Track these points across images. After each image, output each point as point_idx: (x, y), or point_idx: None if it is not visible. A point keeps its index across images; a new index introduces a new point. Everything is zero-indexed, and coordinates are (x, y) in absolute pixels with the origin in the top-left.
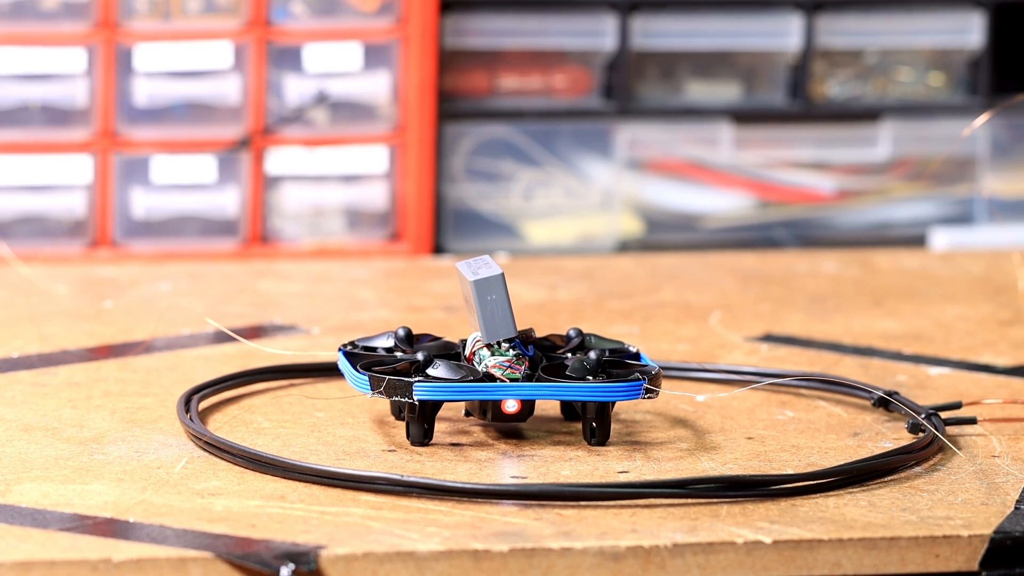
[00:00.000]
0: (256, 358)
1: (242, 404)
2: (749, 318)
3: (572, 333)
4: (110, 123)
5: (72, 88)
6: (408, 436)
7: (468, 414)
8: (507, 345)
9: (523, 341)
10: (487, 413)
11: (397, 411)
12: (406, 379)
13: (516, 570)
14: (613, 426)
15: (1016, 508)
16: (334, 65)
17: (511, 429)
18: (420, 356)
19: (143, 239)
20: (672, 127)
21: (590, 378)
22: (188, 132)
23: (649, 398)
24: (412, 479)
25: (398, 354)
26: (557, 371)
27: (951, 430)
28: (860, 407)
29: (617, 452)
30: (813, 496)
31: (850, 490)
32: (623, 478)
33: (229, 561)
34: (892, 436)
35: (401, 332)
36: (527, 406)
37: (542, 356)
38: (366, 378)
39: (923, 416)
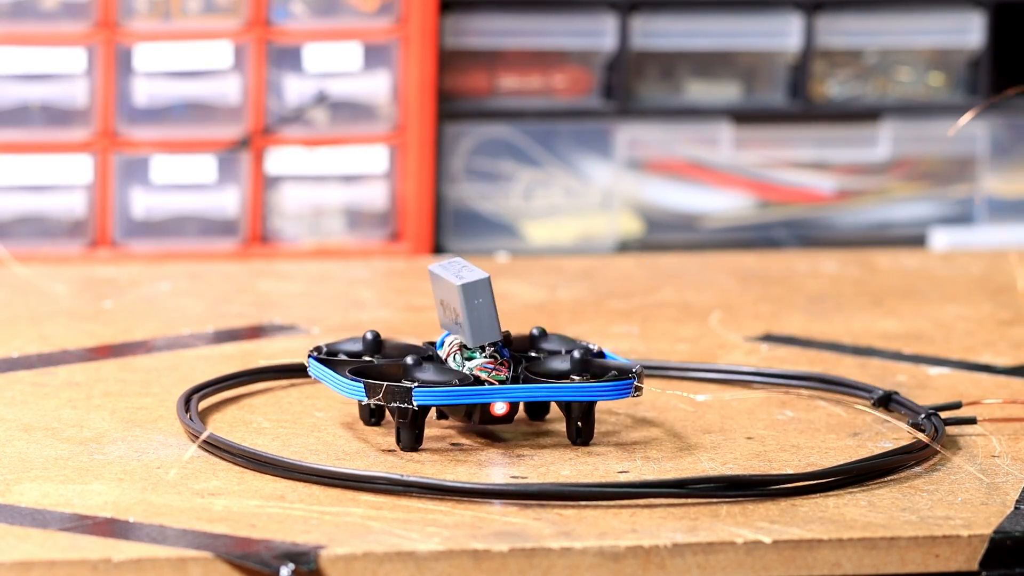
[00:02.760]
0: (256, 358)
1: (242, 404)
2: (749, 318)
3: (535, 332)
4: (110, 123)
5: (72, 88)
6: (399, 442)
7: (442, 416)
8: (491, 348)
9: (503, 343)
10: (472, 416)
11: (367, 416)
12: (405, 385)
13: (516, 570)
14: (613, 425)
15: (1016, 508)
16: (334, 65)
17: (484, 430)
18: (410, 360)
19: (143, 239)
20: (672, 127)
21: (575, 378)
22: (188, 132)
23: (636, 396)
24: (412, 479)
25: (373, 359)
26: (539, 371)
27: (951, 430)
28: (860, 407)
29: (617, 452)
30: (813, 496)
31: (850, 490)
32: (623, 478)
33: (229, 561)
34: (892, 436)
35: (369, 336)
36: (513, 408)
37: (519, 358)
38: (361, 385)
39: (923, 416)
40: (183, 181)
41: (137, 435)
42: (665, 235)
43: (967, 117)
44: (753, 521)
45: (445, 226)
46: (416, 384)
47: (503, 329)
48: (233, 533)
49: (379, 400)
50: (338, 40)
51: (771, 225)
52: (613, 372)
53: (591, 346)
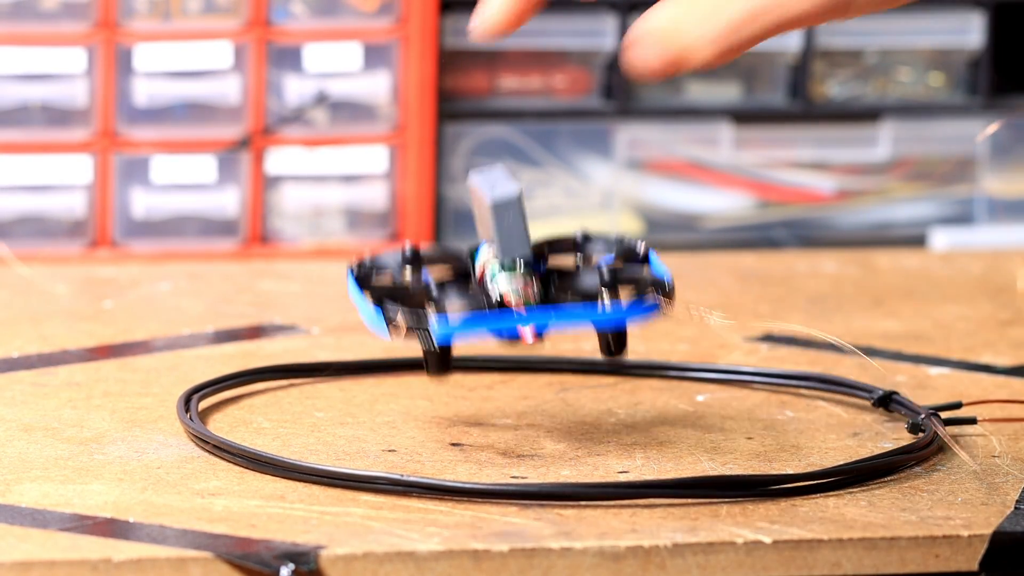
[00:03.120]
0: (256, 358)
1: (242, 404)
2: (749, 318)
3: (579, 237)
4: (110, 123)
5: (72, 88)
6: (426, 369)
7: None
8: (520, 261)
9: (536, 256)
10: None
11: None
12: (424, 328)
13: (516, 570)
14: (614, 425)
15: (1016, 508)
16: (334, 65)
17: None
18: (432, 287)
19: (143, 239)
20: (672, 127)
21: (605, 297)
22: (188, 132)
23: (665, 314)
24: (412, 479)
25: (408, 276)
26: (571, 288)
27: (951, 430)
28: (860, 407)
29: (617, 452)
30: (813, 496)
31: (850, 490)
32: (623, 478)
33: (229, 561)
34: (892, 436)
35: (408, 251)
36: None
37: (554, 271)
38: (382, 319)
39: (923, 416)
40: (183, 181)
41: (137, 435)
42: (665, 235)
43: (992, 128)
44: (753, 521)
45: (445, 226)
46: (436, 317)
47: (542, 242)
48: (233, 533)
49: (401, 333)
50: (338, 40)
51: (771, 225)
52: (649, 287)
53: (638, 247)
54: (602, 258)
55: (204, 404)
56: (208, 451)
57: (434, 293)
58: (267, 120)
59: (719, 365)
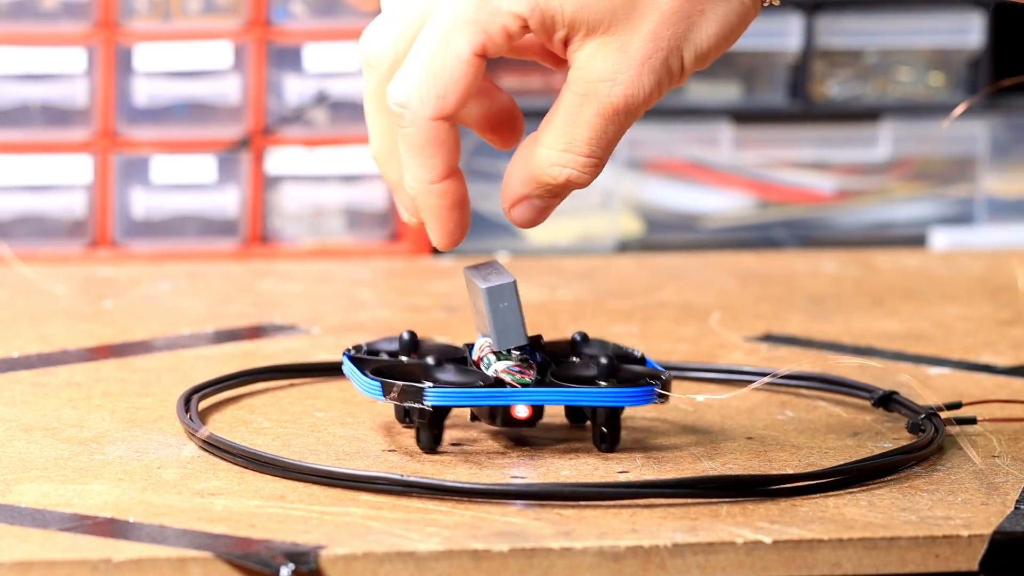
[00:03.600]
0: (256, 358)
1: (242, 404)
2: (749, 318)
3: (577, 337)
4: (110, 123)
5: (72, 88)
6: (419, 442)
7: (475, 419)
8: (516, 351)
9: (532, 347)
10: (496, 418)
11: (402, 416)
12: (418, 385)
13: (516, 570)
14: None
15: (1016, 508)
16: (334, 65)
17: (513, 433)
18: (430, 360)
19: (143, 239)
20: (672, 127)
21: (602, 383)
22: (188, 132)
23: (661, 403)
24: (412, 479)
25: (404, 359)
26: (566, 376)
27: (951, 430)
28: (860, 407)
29: (617, 452)
30: (813, 496)
31: (850, 490)
32: (623, 478)
33: (229, 561)
34: (892, 436)
35: (406, 336)
36: (537, 412)
37: (550, 361)
38: (378, 384)
39: (923, 416)
40: (183, 181)
41: (137, 435)
42: (665, 235)
43: (959, 109)
44: (753, 521)
45: None
46: (431, 385)
47: (536, 334)
48: (233, 533)
49: (394, 399)
50: (338, 40)
51: (771, 225)
52: (645, 379)
53: (634, 352)
54: (600, 355)
55: (204, 404)
56: (208, 451)
57: (431, 369)
58: (267, 120)
59: (719, 365)
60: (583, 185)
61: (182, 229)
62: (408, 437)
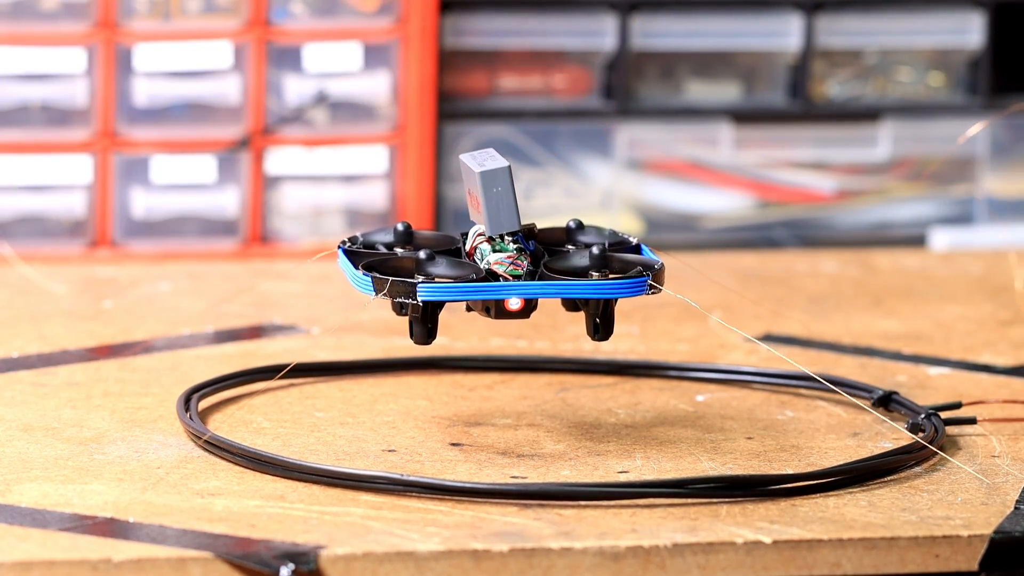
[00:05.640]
0: (256, 358)
1: (242, 404)
2: (749, 318)
3: (572, 224)
4: (110, 123)
5: (72, 88)
6: (411, 335)
7: (470, 310)
8: (509, 239)
9: (525, 235)
10: (490, 311)
11: (399, 309)
12: (410, 280)
13: (516, 570)
14: (614, 425)
15: (1016, 508)
16: (334, 65)
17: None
18: (422, 254)
19: (143, 239)
20: (672, 127)
21: (594, 274)
22: (188, 132)
23: (652, 293)
24: (412, 479)
25: (399, 251)
26: (559, 266)
27: (951, 430)
28: (860, 407)
29: (617, 452)
30: (813, 496)
31: (850, 490)
32: (623, 478)
33: (229, 561)
34: (892, 436)
35: (400, 227)
36: (530, 303)
37: (544, 251)
38: (369, 280)
39: (923, 416)
40: (183, 181)
41: (137, 435)
42: (665, 235)
43: (978, 127)
44: (753, 521)
45: (445, 226)
46: (422, 280)
47: (530, 222)
48: (233, 533)
49: (385, 295)
50: (338, 40)
51: (771, 225)
52: (637, 268)
53: (630, 239)
54: (594, 244)
55: (204, 404)
56: (208, 451)
57: (423, 263)
58: (267, 120)
59: (719, 365)
60: None
61: (182, 229)
62: (408, 437)
